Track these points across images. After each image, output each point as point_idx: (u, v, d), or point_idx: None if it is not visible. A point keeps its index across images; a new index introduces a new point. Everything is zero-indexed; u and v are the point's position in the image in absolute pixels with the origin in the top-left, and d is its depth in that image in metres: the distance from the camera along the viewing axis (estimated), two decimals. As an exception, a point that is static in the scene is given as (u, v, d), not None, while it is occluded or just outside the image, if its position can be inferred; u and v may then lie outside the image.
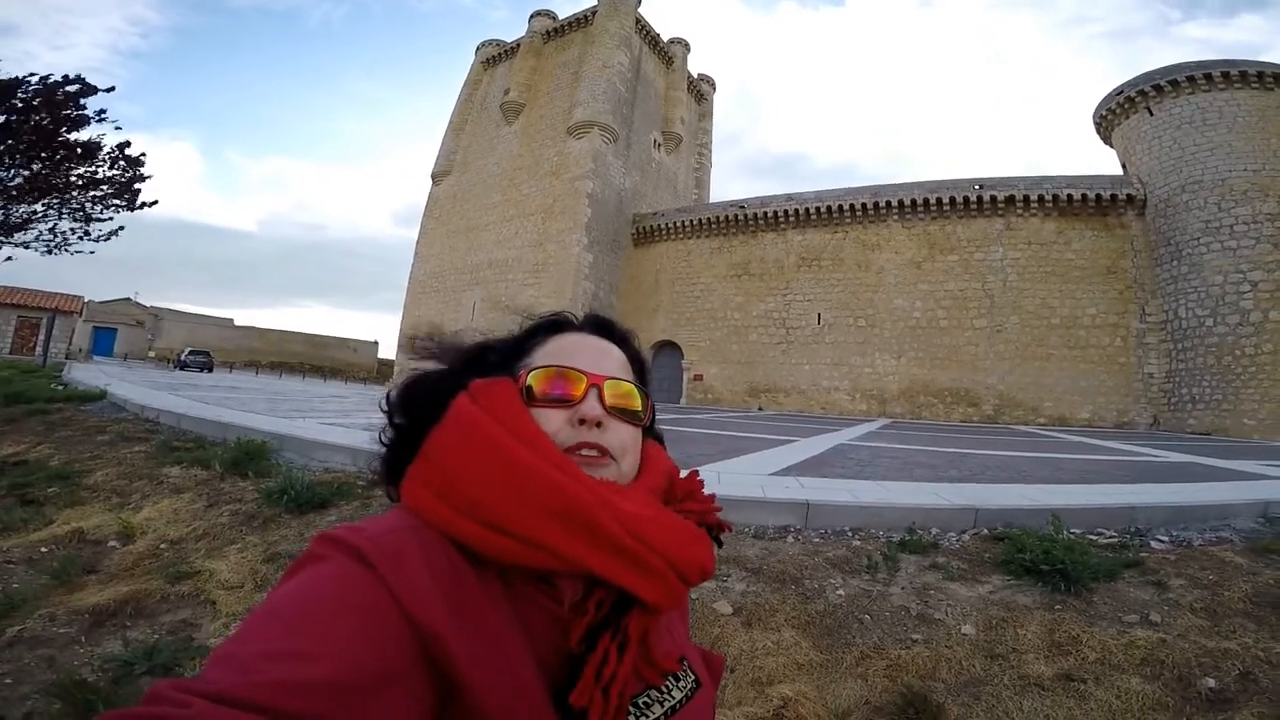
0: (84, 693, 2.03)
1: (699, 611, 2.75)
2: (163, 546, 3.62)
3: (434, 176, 41.35)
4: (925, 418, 24.90)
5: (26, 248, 16.84)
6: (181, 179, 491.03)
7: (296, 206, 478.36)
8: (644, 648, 0.58)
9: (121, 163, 16.84)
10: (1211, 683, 2.21)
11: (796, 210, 29.43)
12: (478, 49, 44.19)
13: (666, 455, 0.75)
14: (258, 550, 3.51)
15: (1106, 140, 27.94)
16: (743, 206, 31.08)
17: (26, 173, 15.44)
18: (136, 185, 17.31)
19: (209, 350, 34.77)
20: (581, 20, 38.31)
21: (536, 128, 36.45)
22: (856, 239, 28.29)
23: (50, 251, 17.01)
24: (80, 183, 16.47)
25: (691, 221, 32.53)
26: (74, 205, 16.76)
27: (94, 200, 16.97)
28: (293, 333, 54.88)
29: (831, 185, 30.01)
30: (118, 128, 16.27)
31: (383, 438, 0.68)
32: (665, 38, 41.64)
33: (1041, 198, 25.00)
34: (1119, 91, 25.59)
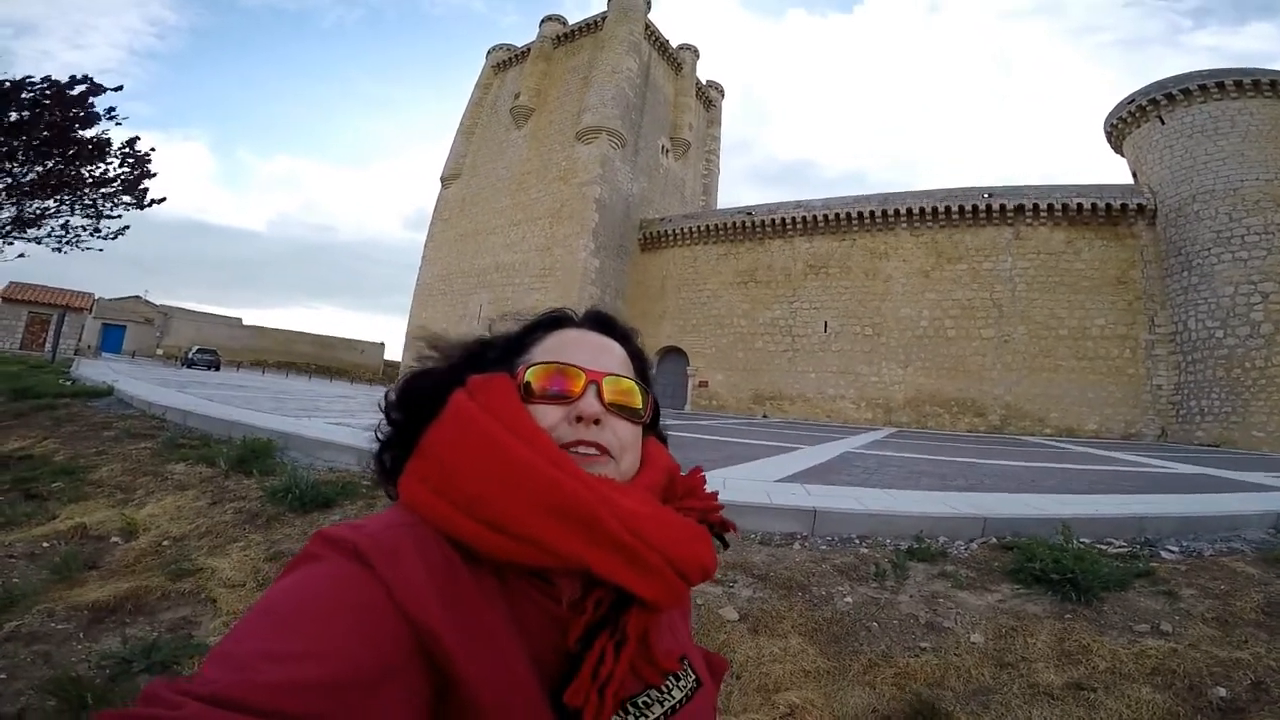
0: (79, 689, 2.01)
1: (705, 617, 2.71)
2: (165, 543, 3.60)
3: (443, 180, 41.64)
4: (931, 427, 24.79)
5: (39, 244, 17.06)
6: (193, 177, 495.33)
7: (305, 207, 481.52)
8: (643, 647, 0.57)
9: (130, 160, 17.03)
10: (1223, 692, 2.18)
11: (805, 217, 29.39)
12: (488, 53, 44.60)
13: (668, 453, 0.74)
14: (260, 549, 3.49)
15: (1117, 149, 27.78)
16: (751, 213, 31.09)
17: (40, 169, 15.63)
18: (144, 183, 17.50)
19: (216, 349, 34.95)
20: (592, 25, 38.59)
21: (545, 132, 36.68)
22: (864, 247, 28.23)
23: (60, 249, 17.21)
24: (91, 179, 16.67)
25: (699, 228, 32.57)
26: (86, 202, 16.96)
27: (105, 197, 17.16)
28: (300, 333, 55.04)
29: (840, 193, 29.74)
30: (119, 123, 16.35)
31: (379, 434, 0.68)
32: (674, 44, 41.84)
33: (1051, 207, 24.87)
34: (1130, 100, 25.44)
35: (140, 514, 4.06)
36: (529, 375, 0.64)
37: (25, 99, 14.40)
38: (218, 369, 30.97)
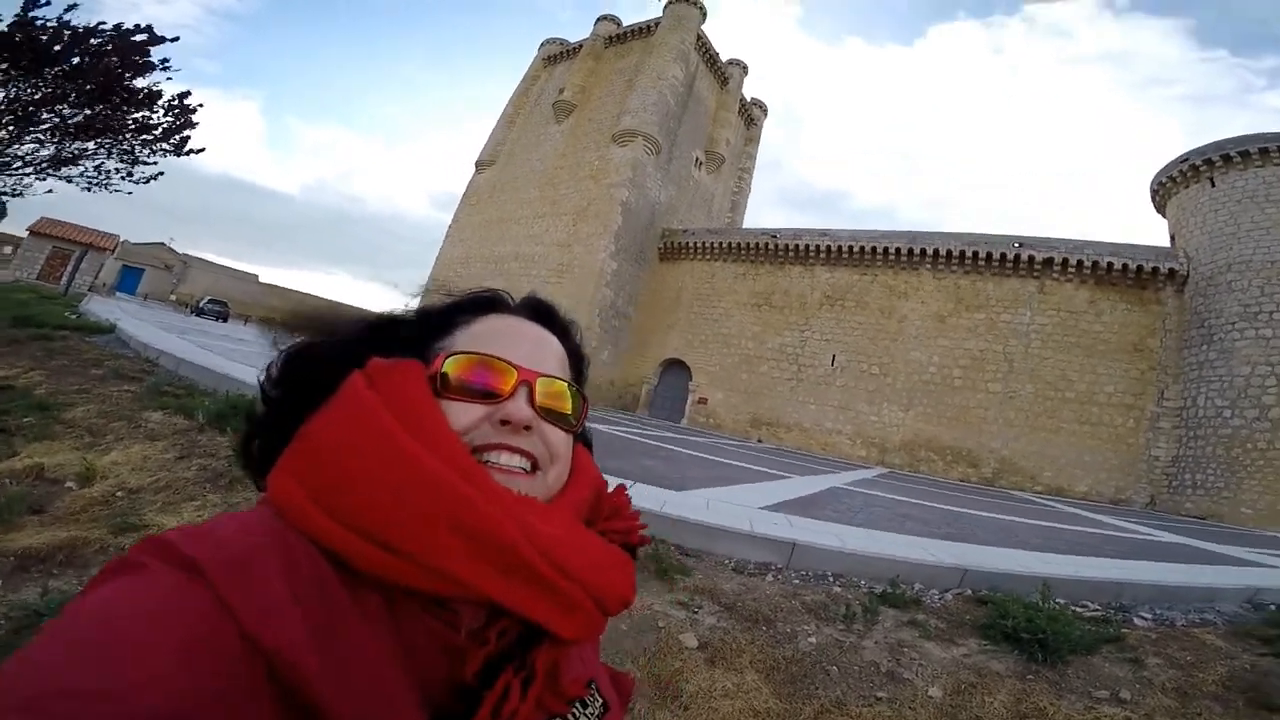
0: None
1: (663, 642, 2.68)
2: (119, 494, 3.49)
3: (478, 164, 41.90)
4: (924, 471, 24.56)
5: (70, 182, 17.17)
6: (241, 135, 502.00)
7: (340, 176, 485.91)
8: (551, 680, 0.51)
9: (175, 110, 17.18)
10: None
11: (828, 246, 29.25)
12: (541, 45, 45.12)
13: (594, 465, 0.67)
14: (216, 510, 3.39)
15: (1160, 209, 26.95)
16: (775, 235, 30.99)
17: (88, 112, 15.76)
18: (186, 132, 17.63)
19: (227, 301, 35.11)
20: (644, 30, 38.82)
21: (584, 129, 36.83)
22: (884, 284, 28.05)
23: (89, 189, 17.33)
24: (134, 126, 16.78)
25: (721, 244, 32.48)
26: (125, 147, 17.09)
27: (144, 144, 17.29)
28: (313, 296, 55.34)
29: (869, 226, 29.64)
30: (170, 77, 16.53)
31: (255, 412, 0.58)
32: (724, 58, 41.94)
33: (1080, 263, 24.31)
34: (1184, 159, 24.36)
35: (102, 461, 3.95)
36: (448, 365, 0.55)
37: (92, 45, 14.58)
38: (225, 320, 31.13)
